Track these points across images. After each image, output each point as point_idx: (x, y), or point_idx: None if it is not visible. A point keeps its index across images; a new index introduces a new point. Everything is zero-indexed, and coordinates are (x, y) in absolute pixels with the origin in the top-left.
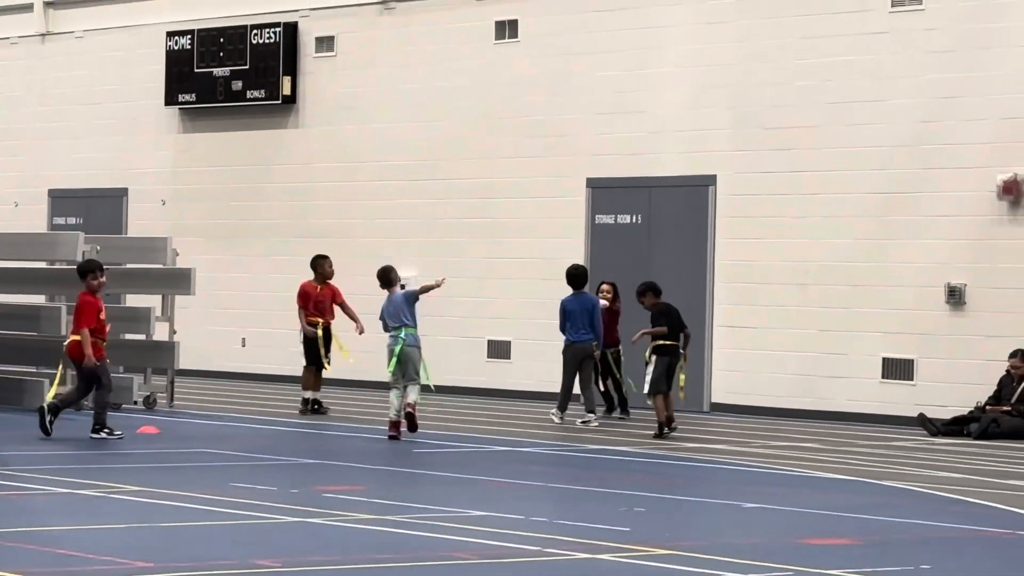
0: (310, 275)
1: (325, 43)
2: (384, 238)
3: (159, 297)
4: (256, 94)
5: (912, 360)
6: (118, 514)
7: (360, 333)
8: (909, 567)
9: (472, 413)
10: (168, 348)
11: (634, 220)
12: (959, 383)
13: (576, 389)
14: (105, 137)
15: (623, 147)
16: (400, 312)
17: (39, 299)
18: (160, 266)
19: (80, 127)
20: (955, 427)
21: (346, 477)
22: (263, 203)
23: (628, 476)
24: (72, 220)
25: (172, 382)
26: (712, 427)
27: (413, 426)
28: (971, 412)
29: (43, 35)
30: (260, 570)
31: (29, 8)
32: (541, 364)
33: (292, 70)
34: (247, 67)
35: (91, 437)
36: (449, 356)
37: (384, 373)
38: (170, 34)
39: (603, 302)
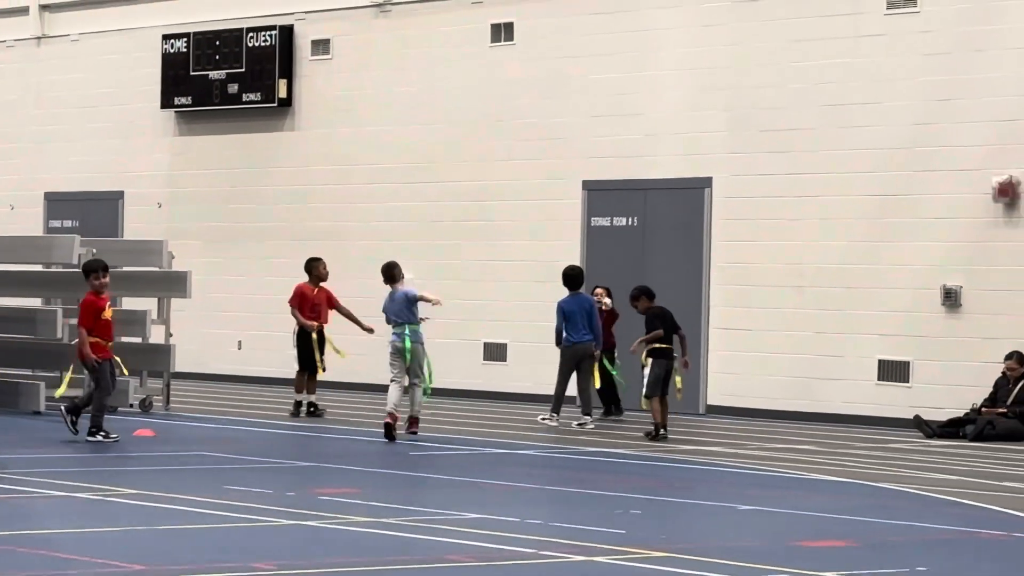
0: (306, 278)
1: (321, 46)
2: (380, 240)
3: (155, 300)
4: (252, 97)
5: (908, 362)
6: (114, 517)
7: (370, 332)
8: (905, 569)
9: (468, 416)
10: (164, 351)
11: (630, 222)
12: (955, 385)
13: (572, 391)
14: (101, 140)
15: (619, 149)
16: (403, 309)
17: (35, 302)
18: (156, 269)
19: (76, 130)
20: (951, 429)
21: (342, 480)
22: (259, 206)
23: (624, 478)
24: (68, 223)
25: (168, 385)
26: (708, 429)
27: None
28: (967, 414)
29: (39, 38)
30: (256, 573)
31: (24, 11)
32: (537, 366)
33: (288, 73)
34: (243, 70)
35: (87, 440)
36: (445, 358)
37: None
38: (166, 37)
39: (607, 300)
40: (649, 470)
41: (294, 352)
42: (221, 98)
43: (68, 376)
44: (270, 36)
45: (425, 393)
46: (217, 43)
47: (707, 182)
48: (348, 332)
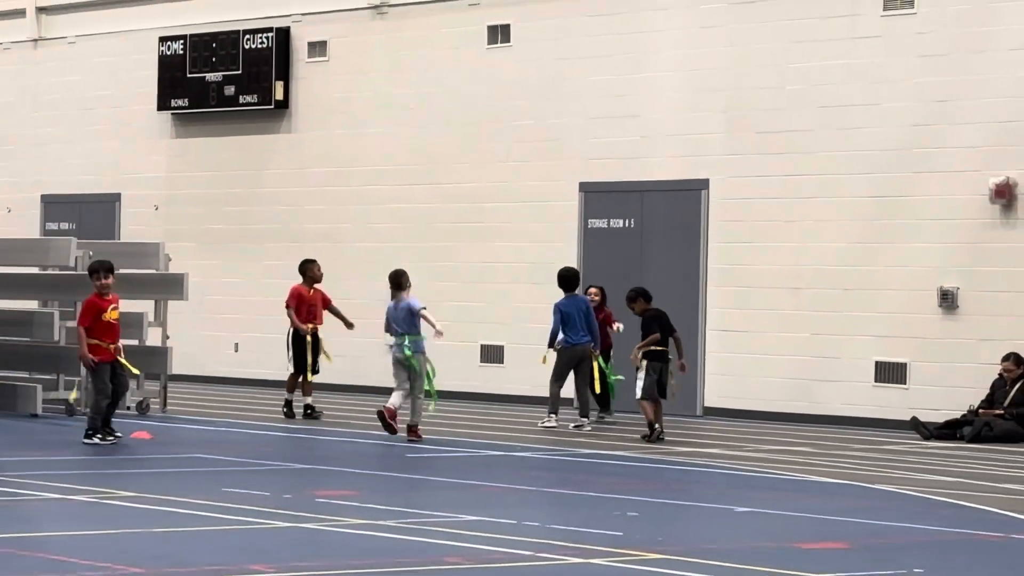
0: (300, 280)
1: (317, 48)
2: (377, 243)
3: (152, 302)
4: (249, 99)
5: (905, 364)
6: (111, 520)
7: (350, 327)
8: (902, 571)
9: (465, 418)
10: (161, 353)
11: (627, 224)
12: (952, 387)
13: (569, 393)
14: (98, 142)
15: (616, 151)
16: (405, 319)
17: (32, 305)
18: (153, 271)
19: (73, 132)
20: (948, 431)
21: (339, 482)
22: (256, 208)
23: (621, 480)
24: (65, 225)
25: (165, 387)
26: (705, 431)
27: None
28: (964, 416)
29: (35, 40)
30: (253, 575)
31: (21, 13)
32: (534, 368)
33: (284, 75)
34: (240, 72)
35: (83, 442)
36: (442, 360)
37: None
38: (163, 39)
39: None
40: (646, 472)
41: (289, 353)
42: (218, 100)
43: (80, 380)
44: (267, 38)
45: (430, 397)
46: (214, 45)
47: (704, 184)
48: (349, 333)
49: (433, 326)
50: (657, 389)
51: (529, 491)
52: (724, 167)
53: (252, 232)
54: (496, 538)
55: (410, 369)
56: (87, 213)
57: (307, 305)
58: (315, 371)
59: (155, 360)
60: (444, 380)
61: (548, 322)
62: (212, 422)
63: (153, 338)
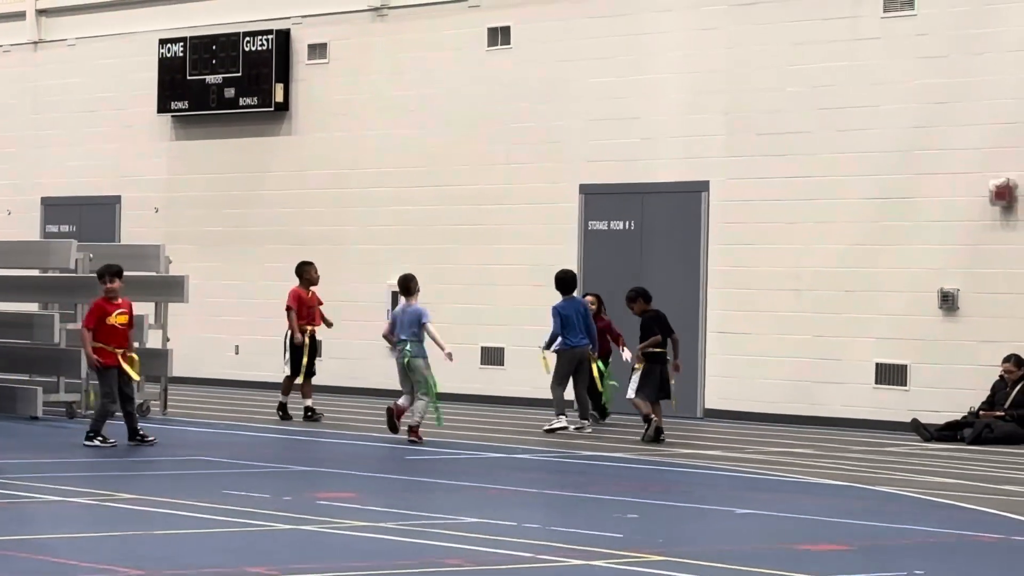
0: (296, 282)
1: (317, 50)
2: (377, 245)
3: (152, 305)
4: (249, 101)
5: (905, 365)
6: (112, 522)
7: (329, 326)
8: (903, 572)
9: (465, 420)
10: (161, 356)
11: (627, 226)
12: (952, 388)
13: (568, 395)
14: (98, 145)
15: (616, 153)
16: (412, 325)
17: (32, 307)
18: (153, 274)
19: (73, 135)
20: (948, 432)
21: (339, 484)
22: (256, 210)
23: (621, 482)
24: (65, 228)
25: (165, 390)
26: (705, 433)
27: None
28: (964, 417)
29: (35, 43)
30: None
31: (21, 16)
32: (535, 371)
33: (285, 77)
34: (240, 74)
35: (84, 444)
36: (442, 363)
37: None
38: (163, 41)
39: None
40: (646, 474)
41: (286, 355)
42: (218, 103)
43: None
44: (267, 40)
45: (431, 398)
46: (214, 47)
47: (704, 186)
48: (349, 335)
49: (442, 348)
50: (660, 389)
51: (529, 493)
52: (725, 169)
53: (252, 234)
54: (496, 540)
55: (411, 372)
56: (87, 215)
57: (306, 307)
58: (312, 373)
59: (155, 362)
60: (445, 382)
61: (548, 324)
62: (212, 424)
63: (153, 340)
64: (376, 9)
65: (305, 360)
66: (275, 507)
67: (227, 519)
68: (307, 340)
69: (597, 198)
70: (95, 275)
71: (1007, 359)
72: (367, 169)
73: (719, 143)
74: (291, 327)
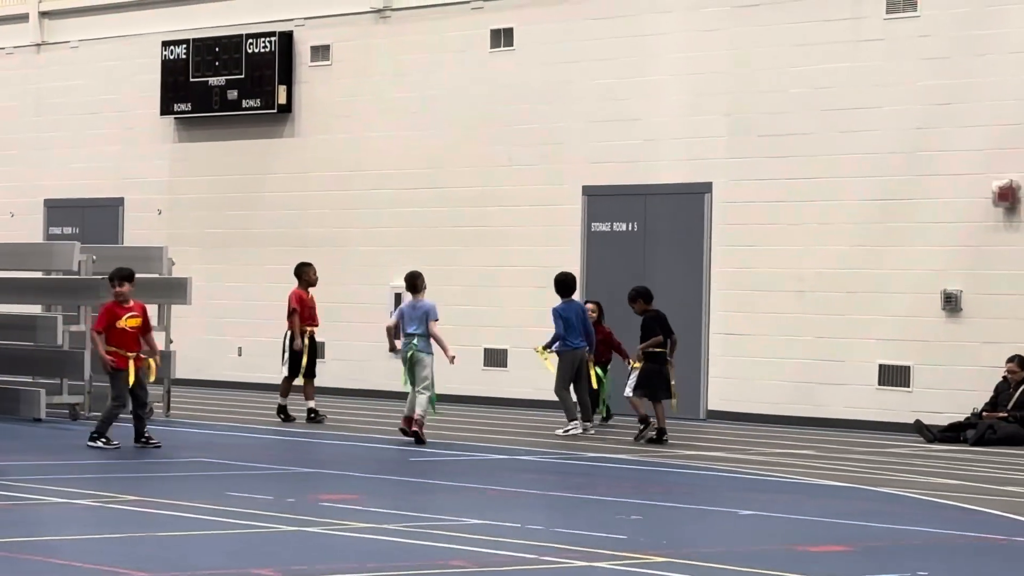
0: (295, 283)
1: (320, 52)
2: (380, 247)
3: (155, 306)
4: (252, 103)
5: (908, 367)
6: (114, 523)
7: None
8: (906, 574)
9: (468, 421)
10: (164, 357)
11: (630, 228)
12: (955, 389)
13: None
14: (101, 147)
15: (619, 155)
16: (420, 320)
17: (35, 309)
18: (156, 276)
19: (76, 137)
20: (952, 433)
21: (342, 486)
22: (259, 212)
23: (625, 484)
24: (68, 230)
25: (168, 392)
26: (709, 434)
27: (420, 440)
28: (968, 418)
29: (38, 45)
30: None
31: (24, 18)
32: (538, 372)
33: (287, 79)
34: (242, 76)
35: (87, 444)
36: (445, 364)
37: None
38: (165, 44)
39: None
40: (650, 475)
41: (284, 356)
42: (221, 104)
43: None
44: (270, 42)
45: (430, 400)
46: (217, 49)
47: (707, 187)
48: (351, 337)
49: (445, 351)
50: (662, 388)
51: (532, 494)
52: (727, 170)
53: (255, 236)
54: (500, 542)
55: (416, 366)
56: (90, 217)
57: (308, 309)
58: (313, 374)
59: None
60: (447, 384)
61: (551, 326)
62: (215, 426)
63: (156, 342)
64: (379, 11)
65: (305, 361)
66: (278, 509)
67: (230, 521)
68: (306, 341)
69: (600, 199)
70: (99, 277)
71: (1010, 360)
72: (370, 171)
73: (721, 145)
74: (292, 329)
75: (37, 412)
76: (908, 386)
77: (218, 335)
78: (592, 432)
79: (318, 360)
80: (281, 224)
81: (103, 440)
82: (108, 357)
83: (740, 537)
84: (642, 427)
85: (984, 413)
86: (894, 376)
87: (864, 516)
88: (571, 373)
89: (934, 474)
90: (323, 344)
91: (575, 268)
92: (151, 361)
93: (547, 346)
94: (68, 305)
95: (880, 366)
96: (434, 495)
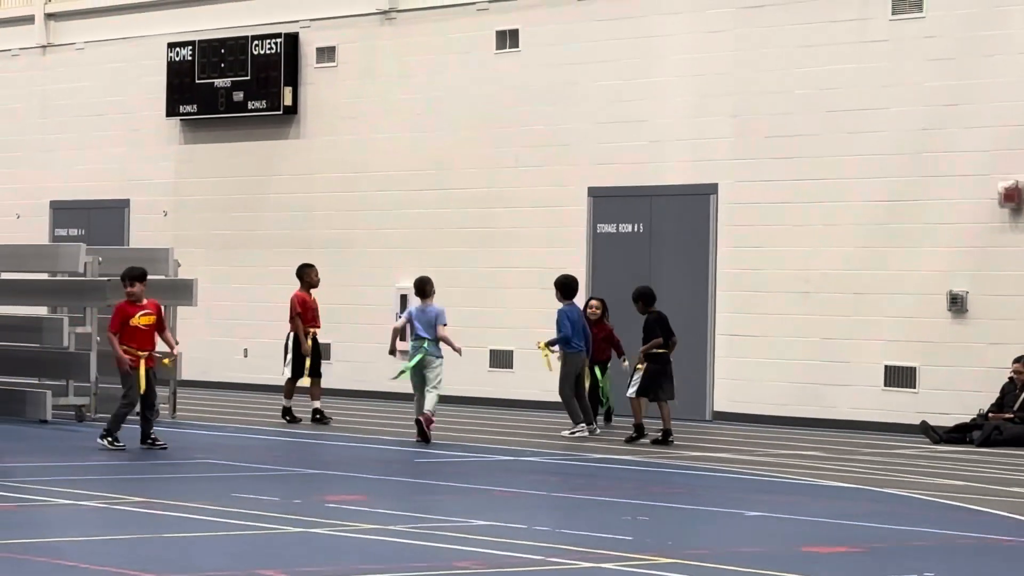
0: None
1: (326, 53)
2: (386, 248)
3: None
4: (257, 105)
5: (914, 368)
6: (121, 525)
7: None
8: (912, 575)
9: (475, 423)
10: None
11: (636, 229)
12: (962, 390)
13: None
14: (106, 148)
15: (624, 156)
16: (430, 325)
17: (41, 311)
18: (162, 277)
19: (81, 139)
20: (958, 435)
21: (348, 487)
22: (265, 214)
23: (631, 485)
24: (74, 232)
25: (174, 393)
26: (714, 435)
27: (425, 436)
28: (974, 419)
29: (44, 47)
30: None
31: (30, 20)
32: (543, 374)
33: (293, 81)
34: (248, 78)
35: (97, 441)
36: (452, 366)
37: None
38: (171, 45)
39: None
40: (656, 476)
41: (287, 357)
42: (226, 106)
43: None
44: (275, 44)
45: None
46: (222, 51)
47: (713, 188)
48: (356, 339)
49: (453, 347)
50: (664, 389)
51: (539, 495)
52: (733, 171)
53: (261, 238)
54: (506, 543)
55: (426, 369)
56: (96, 219)
57: (310, 310)
58: (319, 375)
59: (164, 366)
60: (453, 385)
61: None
62: (221, 427)
63: (162, 344)
64: (384, 12)
65: (308, 362)
66: (284, 510)
67: (237, 522)
68: (309, 342)
69: (605, 201)
70: (105, 279)
71: (1016, 361)
72: (375, 172)
73: (727, 146)
74: (297, 333)
75: (43, 414)
76: (914, 387)
77: (224, 336)
78: (597, 432)
79: (323, 361)
80: (287, 225)
81: (110, 439)
82: (125, 356)
83: (746, 538)
84: (635, 435)
85: (990, 414)
86: (900, 377)
87: (870, 517)
88: (576, 373)
89: (940, 475)
90: (328, 345)
91: (580, 269)
92: (166, 361)
93: (551, 343)
94: (74, 307)
95: (886, 367)
96: (440, 496)
